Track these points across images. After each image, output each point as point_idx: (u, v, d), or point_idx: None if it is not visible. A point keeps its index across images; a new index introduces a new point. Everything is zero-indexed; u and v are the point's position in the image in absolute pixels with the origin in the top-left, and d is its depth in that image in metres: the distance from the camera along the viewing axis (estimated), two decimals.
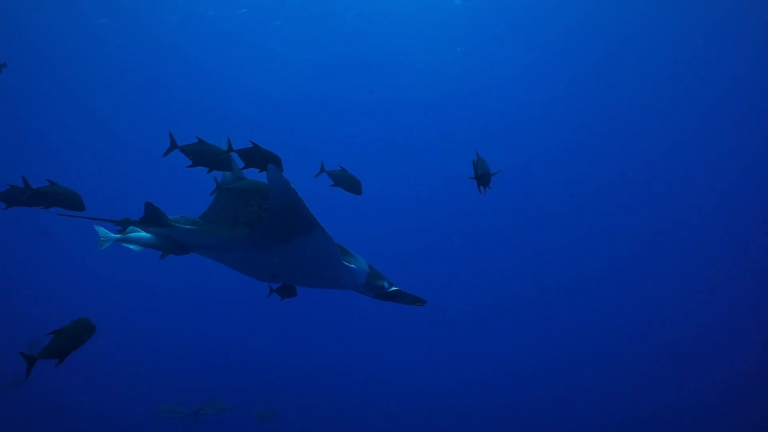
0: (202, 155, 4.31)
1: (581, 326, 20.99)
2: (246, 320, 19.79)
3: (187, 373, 17.47)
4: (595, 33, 20.81)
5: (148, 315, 19.48)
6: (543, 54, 21.80)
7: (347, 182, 5.14)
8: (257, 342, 19.67)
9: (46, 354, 3.05)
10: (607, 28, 20.54)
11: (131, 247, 4.56)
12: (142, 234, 4.57)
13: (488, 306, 22.06)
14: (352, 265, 4.60)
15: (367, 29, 21.42)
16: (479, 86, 23.48)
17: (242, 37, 21.67)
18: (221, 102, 23.89)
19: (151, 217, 4.37)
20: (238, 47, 22.25)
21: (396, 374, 19.18)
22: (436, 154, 24.43)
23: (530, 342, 20.73)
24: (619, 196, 23.78)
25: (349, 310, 18.73)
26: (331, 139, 24.54)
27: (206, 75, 23.47)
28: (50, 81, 22.74)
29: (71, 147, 23.72)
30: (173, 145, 4.29)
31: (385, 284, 4.76)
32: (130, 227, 4.51)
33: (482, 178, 4.73)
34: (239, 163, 4.50)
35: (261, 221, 4.29)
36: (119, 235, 4.50)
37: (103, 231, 4.57)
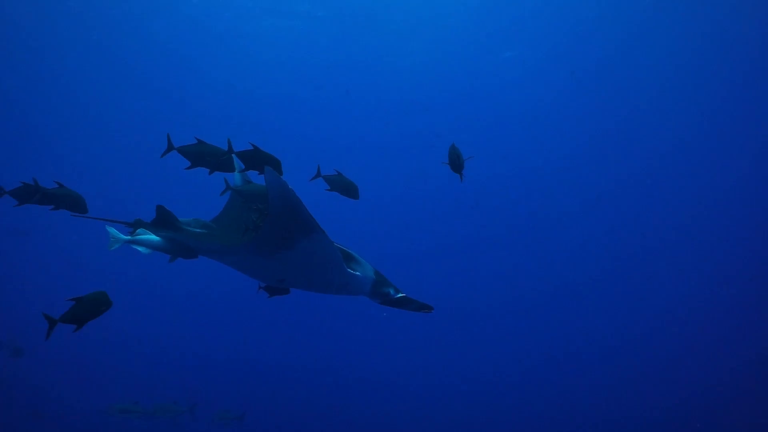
0: (201, 156, 4.27)
1: (581, 327, 21.06)
2: (240, 322, 19.75)
3: (173, 374, 17.34)
4: (591, 32, 20.83)
5: (133, 315, 19.24)
6: (543, 54, 21.83)
7: (344, 186, 5.08)
8: (253, 343, 19.61)
9: (65, 319, 3.30)
10: (601, 26, 20.57)
11: (140, 249, 4.51)
12: (152, 237, 4.52)
13: (488, 307, 22.04)
14: (357, 273, 4.58)
15: (367, 28, 21.39)
16: (477, 86, 23.53)
17: (236, 35, 21.54)
18: (223, 104, 23.80)
19: (162, 220, 4.32)
20: (235, 45, 22.11)
21: (395, 375, 19.20)
22: (433, 156, 24.30)
23: (529, 343, 20.80)
24: (620, 197, 23.78)
25: (348, 311, 18.67)
26: (327, 142, 24.42)
27: (205, 76, 23.29)
28: (52, 81, 22.55)
29: (79, 149, 23.54)
30: (170, 147, 4.27)
31: (392, 291, 4.75)
32: (140, 229, 4.46)
33: (455, 164, 4.97)
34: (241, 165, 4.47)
35: (262, 226, 4.24)
36: (129, 237, 4.44)
37: (114, 232, 4.54)
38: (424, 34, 21.34)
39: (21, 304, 18.05)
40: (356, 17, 20.82)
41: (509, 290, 22.46)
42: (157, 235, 4.55)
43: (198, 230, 4.60)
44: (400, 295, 4.73)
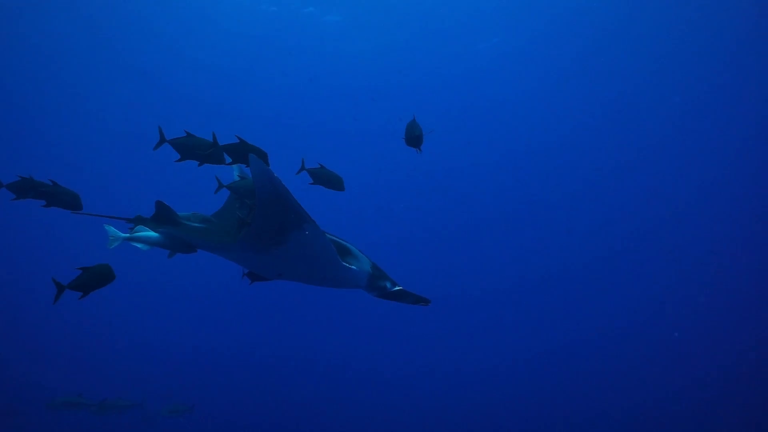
0: (190, 148, 4.27)
1: (577, 323, 21.19)
2: (232, 315, 19.61)
3: (154, 369, 17.16)
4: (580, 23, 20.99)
5: (127, 312, 19.02)
6: (532, 44, 21.94)
7: (328, 179, 5.07)
8: (244, 337, 19.47)
9: (72, 286, 3.57)
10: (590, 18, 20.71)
11: (139, 246, 4.46)
12: (150, 233, 4.47)
13: (482, 302, 22.10)
14: (353, 266, 4.56)
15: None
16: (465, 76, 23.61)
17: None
18: (224, 98, 23.57)
19: (162, 215, 4.28)
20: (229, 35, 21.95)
21: (386, 367, 19.22)
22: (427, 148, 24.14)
23: (525, 338, 20.85)
24: (616, 189, 23.89)
25: (339, 303, 18.61)
26: (312, 137, 24.30)
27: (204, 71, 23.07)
28: (49, 78, 22.11)
29: (75, 145, 23.09)
30: (162, 139, 4.29)
31: (388, 284, 4.74)
32: (138, 226, 4.42)
33: (410, 140, 5.04)
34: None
35: (253, 221, 4.21)
36: (128, 234, 4.40)
37: (112, 230, 4.49)
38: (403, 22, 21.34)
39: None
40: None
41: (503, 281, 22.52)
42: (156, 232, 4.52)
43: (197, 225, 4.56)
44: (397, 288, 4.72)
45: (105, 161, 22.88)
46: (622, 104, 23.45)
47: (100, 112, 23.03)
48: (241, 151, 4.12)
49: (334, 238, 4.74)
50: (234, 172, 5.14)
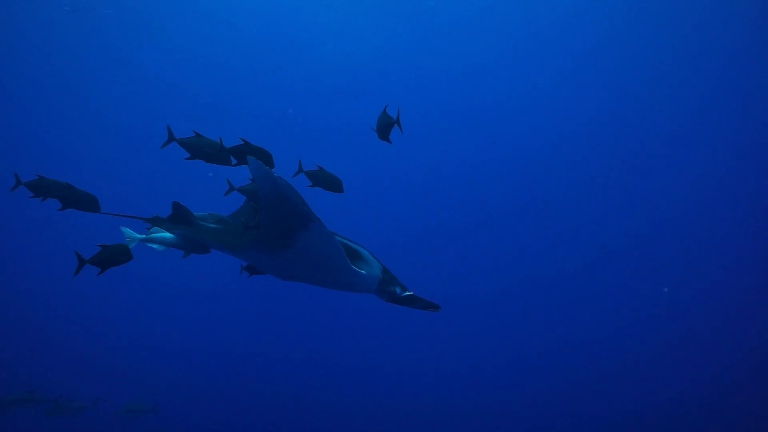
0: (199, 148, 4.32)
1: (576, 321, 21.13)
2: (229, 315, 19.52)
3: (152, 370, 17.08)
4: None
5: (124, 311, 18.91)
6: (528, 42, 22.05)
7: (327, 181, 5.06)
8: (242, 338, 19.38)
9: (92, 261, 3.74)
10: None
11: (155, 246, 4.46)
12: (166, 234, 4.47)
13: (481, 301, 21.94)
14: (363, 271, 4.54)
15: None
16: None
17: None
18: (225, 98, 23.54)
19: (178, 216, 4.28)
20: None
21: (386, 369, 19.16)
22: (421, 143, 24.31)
23: (524, 338, 20.75)
24: (614, 189, 23.89)
25: (338, 303, 18.52)
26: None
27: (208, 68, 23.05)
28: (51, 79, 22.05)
29: (74, 144, 22.95)
30: (170, 138, 4.32)
31: (398, 289, 4.72)
32: (154, 228, 4.42)
33: (382, 131, 5.06)
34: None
35: (260, 223, 4.20)
36: (144, 236, 4.41)
37: (128, 231, 4.49)
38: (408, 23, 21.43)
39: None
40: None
41: (501, 281, 22.33)
42: (171, 232, 4.52)
43: (212, 226, 4.56)
44: (407, 293, 4.71)
45: (109, 162, 22.74)
46: (621, 102, 23.64)
47: (102, 111, 22.94)
48: (244, 153, 4.15)
49: (346, 241, 4.75)
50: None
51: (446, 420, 17.51)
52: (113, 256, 3.77)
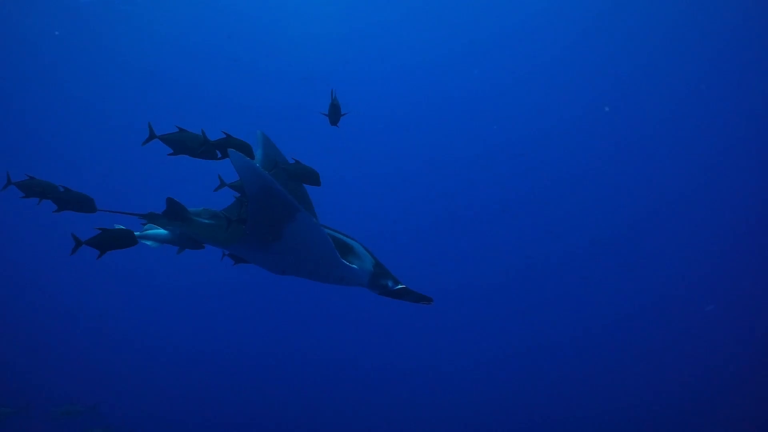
0: (181, 143, 4.32)
1: (569, 316, 21.13)
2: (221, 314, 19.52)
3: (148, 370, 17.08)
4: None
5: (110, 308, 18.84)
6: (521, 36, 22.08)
7: (304, 174, 5.00)
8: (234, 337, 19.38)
9: (90, 242, 3.64)
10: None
11: (148, 243, 4.48)
12: (159, 231, 4.50)
13: (478, 298, 21.96)
14: (354, 265, 4.57)
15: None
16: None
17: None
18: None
19: (173, 212, 4.31)
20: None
21: (384, 367, 19.18)
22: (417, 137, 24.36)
23: (515, 331, 20.77)
24: (610, 185, 23.82)
25: (334, 300, 18.52)
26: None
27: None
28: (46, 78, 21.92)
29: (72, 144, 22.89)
30: (152, 135, 4.32)
31: (390, 282, 4.74)
32: (148, 225, 4.45)
33: (333, 116, 5.33)
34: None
35: (248, 219, 4.22)
36: (139, 233, 4.43)
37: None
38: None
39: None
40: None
41: (497, 277, 22.38)
42: (165, 229, 4.55)
43: (206, 222, 4.59)
44: (399, 286, 4.73)
45: (99, 160, 22.66)
46: (614, 97, 23.69)
47: (93, 109, 22.86)
48: (227, 146, 4.13)
49: (339, 234, 4.78)
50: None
51: (439, 414, 17.55)
52: (114, 239, 3.69)
